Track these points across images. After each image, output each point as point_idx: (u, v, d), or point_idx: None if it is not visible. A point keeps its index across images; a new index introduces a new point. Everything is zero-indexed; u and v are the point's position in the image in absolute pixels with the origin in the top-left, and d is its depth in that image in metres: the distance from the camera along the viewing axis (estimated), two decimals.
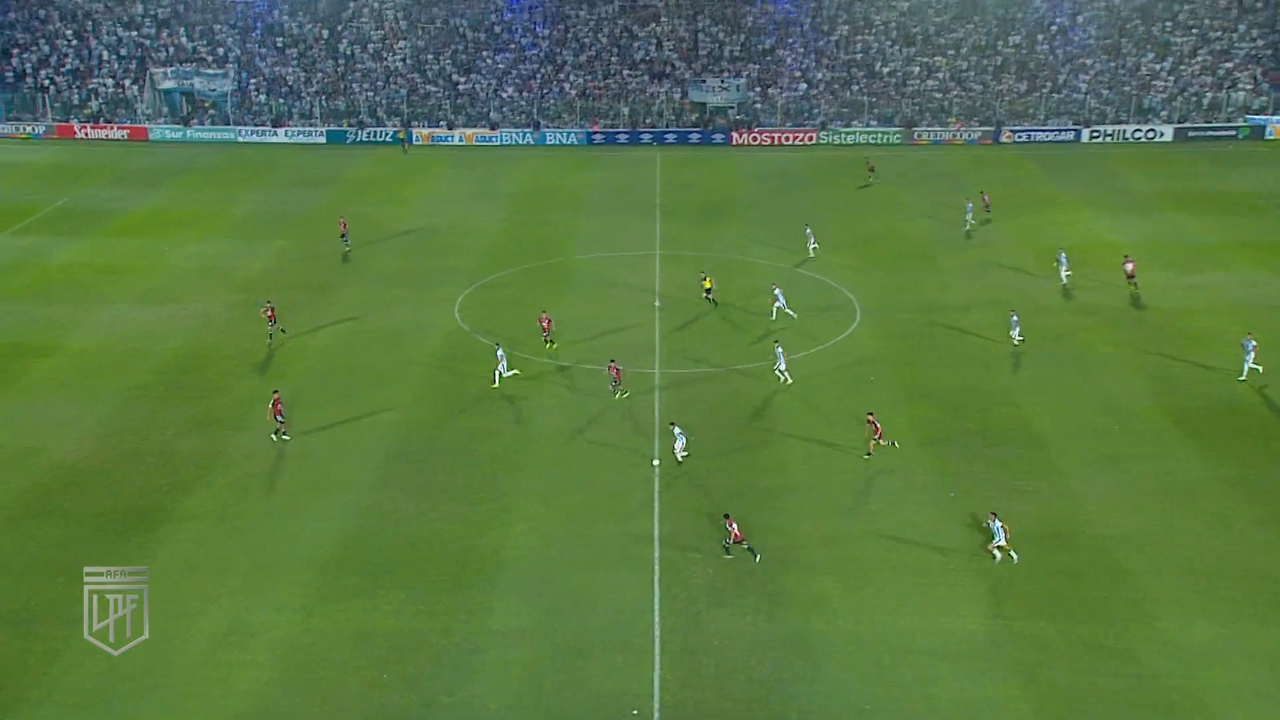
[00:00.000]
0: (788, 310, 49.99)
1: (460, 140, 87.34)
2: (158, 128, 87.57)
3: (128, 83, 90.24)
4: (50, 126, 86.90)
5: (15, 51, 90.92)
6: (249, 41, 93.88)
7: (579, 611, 30.68)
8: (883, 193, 71.02)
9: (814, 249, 58.84)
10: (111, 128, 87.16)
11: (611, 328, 49.74)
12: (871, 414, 38.28)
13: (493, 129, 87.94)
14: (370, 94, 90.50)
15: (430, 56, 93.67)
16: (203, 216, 66.39)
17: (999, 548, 32.42)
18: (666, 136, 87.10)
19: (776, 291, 50.35)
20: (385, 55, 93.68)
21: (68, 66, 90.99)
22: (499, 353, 43.97)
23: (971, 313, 50.70)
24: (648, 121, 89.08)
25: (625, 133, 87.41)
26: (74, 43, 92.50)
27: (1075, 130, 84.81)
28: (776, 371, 43.99)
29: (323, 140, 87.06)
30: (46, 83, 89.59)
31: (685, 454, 37.64)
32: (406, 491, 36.51)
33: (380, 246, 61.16)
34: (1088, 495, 36.16)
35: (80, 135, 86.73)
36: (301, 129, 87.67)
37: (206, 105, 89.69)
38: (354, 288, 54.82)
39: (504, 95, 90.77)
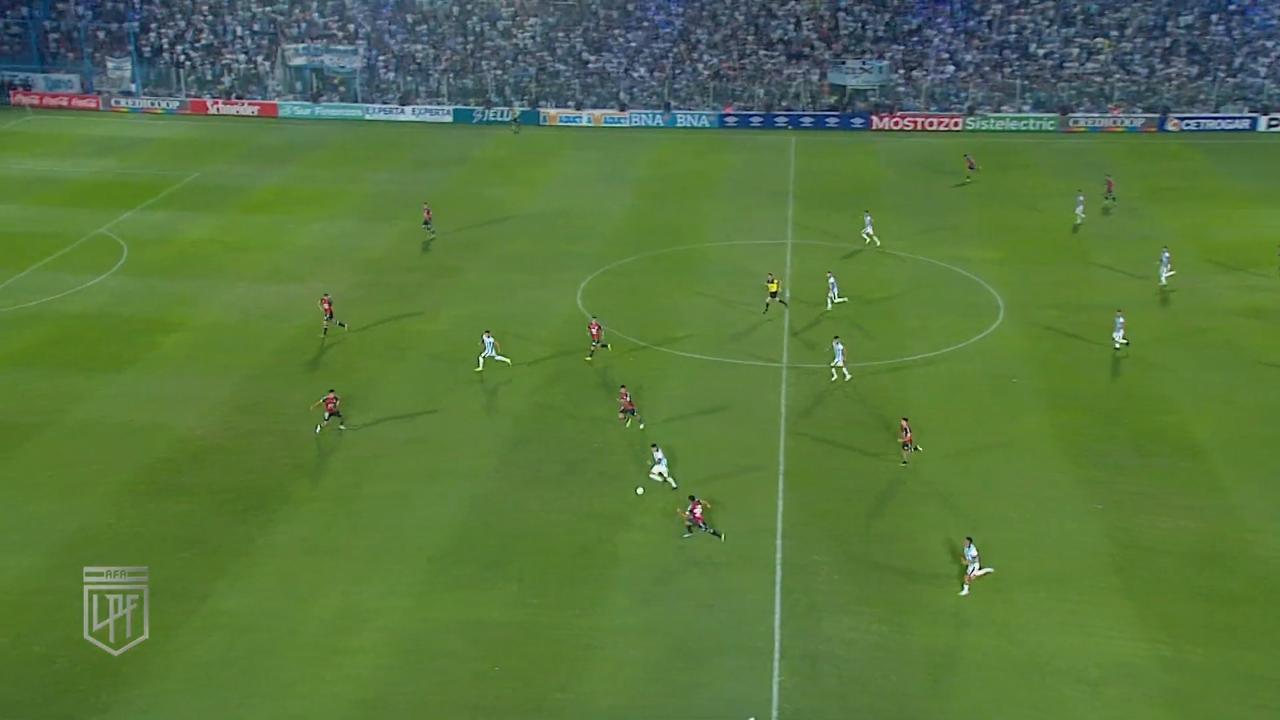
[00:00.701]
0: (840, 299, 49.85)
1: (588, 121, 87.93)
2: (287, 104, 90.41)
3: (260, 59, 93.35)
4: (184, 102, 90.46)
5: (154, 26, 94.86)
6: (379, 18, 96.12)
7: (696, 611, 30.69)
8: (1033, 183, 69.09)
9: (868, 236, 58.00)
10: (242, 104, 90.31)
11: (737, 318, 49.56)
12: (906, 420, 37.64)
13: (622, 110, 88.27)
14: (498, 72, 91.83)
15: (561, 34, 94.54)
16: (328, 195, 68.32)
17: (970, 579, 30.97)
18: (802, 120, 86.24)
19: (831, 280, 50.07)
20: (515, 32, 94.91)
21: (203, 42, 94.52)
22: (486, 340, 43.90)
23: (1125, 312, 49.00)
24: (783, 104, 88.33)
25: (759, 116, 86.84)
26: (209, 18, 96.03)
27: (1251, 118, 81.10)
28: (832, 368, 43.25)
29: (449, 119, 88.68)
30: (182, 58, 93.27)
31: (664, 478, 36.14)
32: (523, 481, 36.99)
33: (503, 229, 62.03)
34: (1250, 513, 34.63)
35: (212, 111, 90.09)
36: (428, 107, 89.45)
37: (336, 82, 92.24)
38: (476, 271, 55.74)
39: (635, 75, 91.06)
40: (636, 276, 54.90)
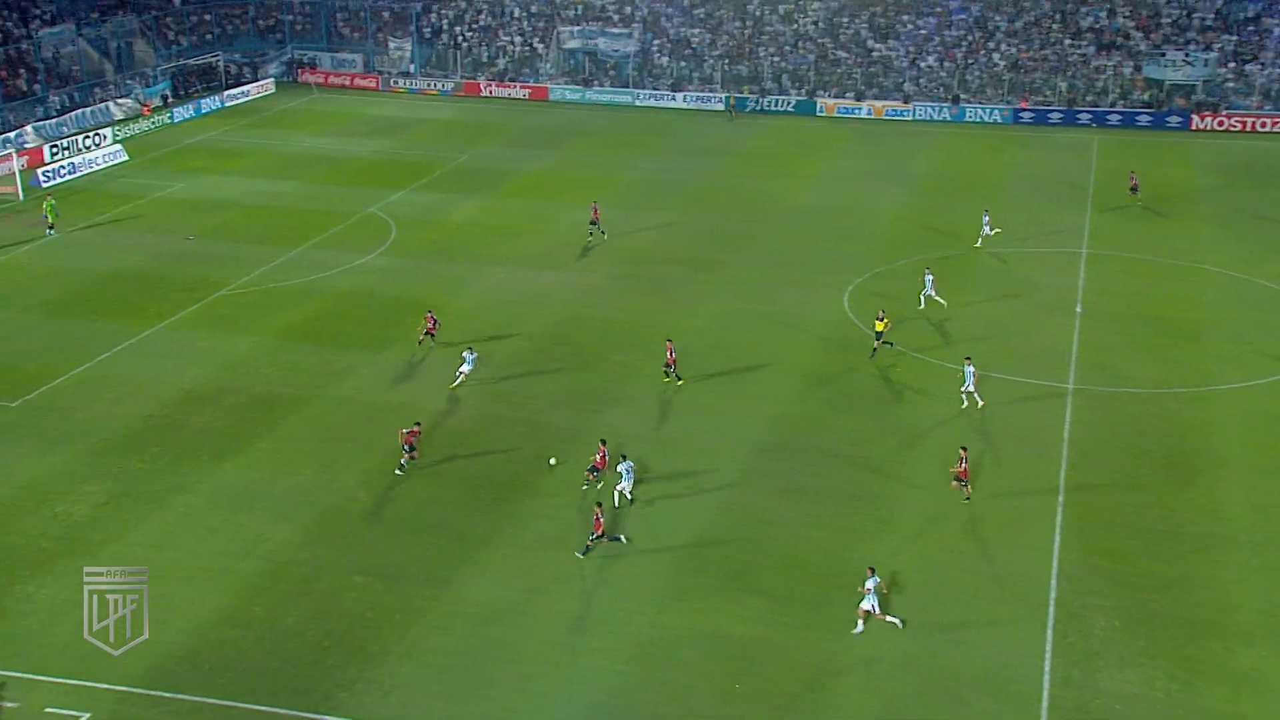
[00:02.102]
0: (937, 298, 48.28)
1: (868, 113, 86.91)
2: (558, 88, 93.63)
3: (535, 41, 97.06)
4: (458, 83, 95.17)
5: (435, 7, 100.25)
6: (656, 1, 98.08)
7: (957, 646, 29.84)
8: None
9: (986, 234, 57.02)
10: (514, 86, 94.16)
11: (1020, 332, 47.89)
12: (964, 449, 35.82)
13: (905, 102, 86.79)
14: (776, 59, 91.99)
15: (845, 19, 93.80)
16: (593, 181, 70.24)
17: (868, 613, 29.45)
18: (1109, 118, 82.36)
19: (928, 278, 48.71)
20: (797, 18, 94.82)
21: (481, 23, 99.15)
22: (466, 355, 43.01)
23: None
24: (1088, 99, 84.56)
25: (1059, 111, 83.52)
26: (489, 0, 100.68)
27: None
28: (964, 393, 40.97)
29: (721, 107, 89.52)
30: (460, 39, 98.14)
31: (631, 498, 35.27)
32: (774, 491, 36.95)
33: (769, 224, 62.12)
34: None
35: (485, 93, 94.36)
36: (701, 94, 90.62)
37: (608, 66, 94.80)
38: (738, 267, 56.06)
39: (922, 65, 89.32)
40: (909, 281, 53.81)
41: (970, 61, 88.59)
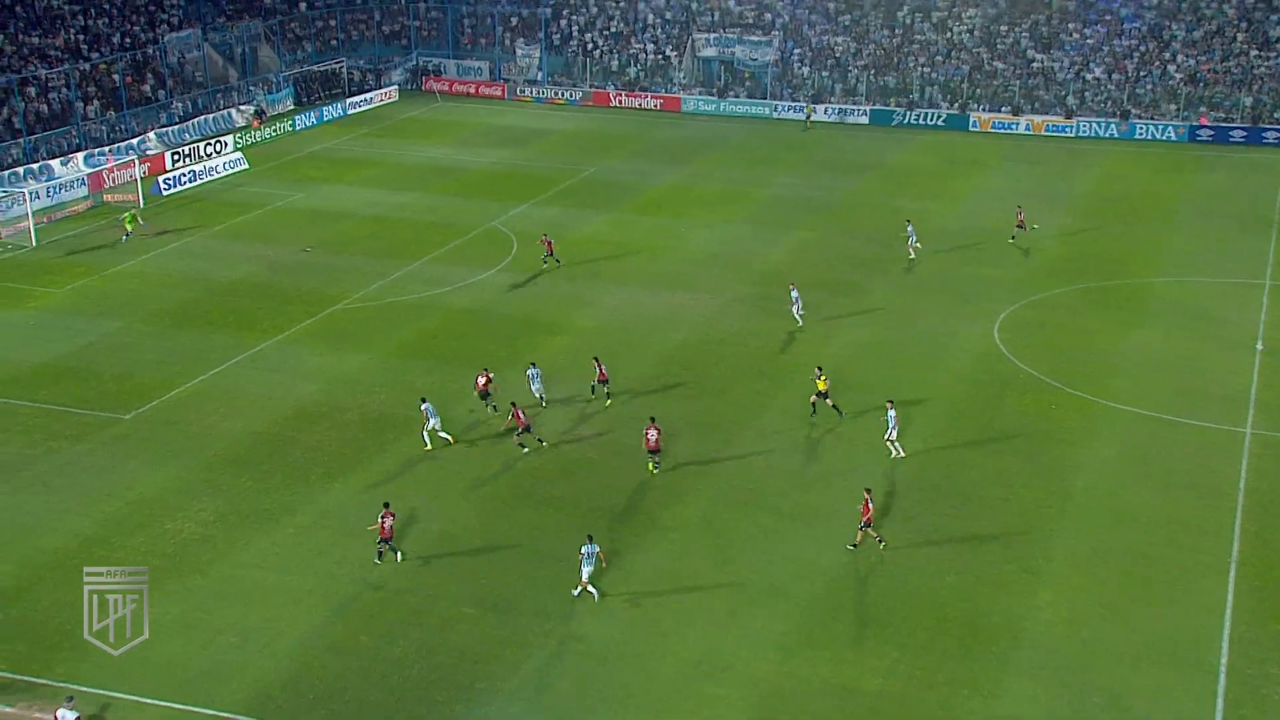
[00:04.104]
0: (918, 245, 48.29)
1: (1026, 129, 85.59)
2: (691, 98, 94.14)
3: (669, 49, 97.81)
4: (587, 93, 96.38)
5: (565, 13, 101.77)
6: (799, 6, 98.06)
7: (1112, 714, 28.98)
8: None
9: (915, 246, 58.70)
10: (645, 96, 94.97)
11: (1194, 369, 46.66)
12: (869, 490, 34.96)
13: (1068, 117, 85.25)
14: (926, 69, 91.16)
15: (1004, 28, 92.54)
16: (725, 198, 70.38)
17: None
18: None
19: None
20: (950, 26, 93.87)
21: (612, 30, 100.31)
22: (425, 408, 41.46)
23: None
24: (1276, 116, 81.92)
25: (1243, 129, 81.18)
26: (622, 4, 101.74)
27: None
28: (887, 442, 40.22)
29: (865, 120, 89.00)
30: (590, 46, 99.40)
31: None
32: (910, 533, 36.41)
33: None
34: None
35: (614, 103, 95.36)
36: (843, 106, 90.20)
37: (744, 76, 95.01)
38: (879, 291, 55.57)
39: (1088, 77, 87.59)
40: (1067, 311, 52.71)
41: (1142, 74, 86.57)
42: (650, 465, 39.99)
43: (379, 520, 35.00)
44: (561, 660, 31.14)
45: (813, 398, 43.07)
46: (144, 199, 68.78)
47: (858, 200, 69.60)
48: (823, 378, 42.77)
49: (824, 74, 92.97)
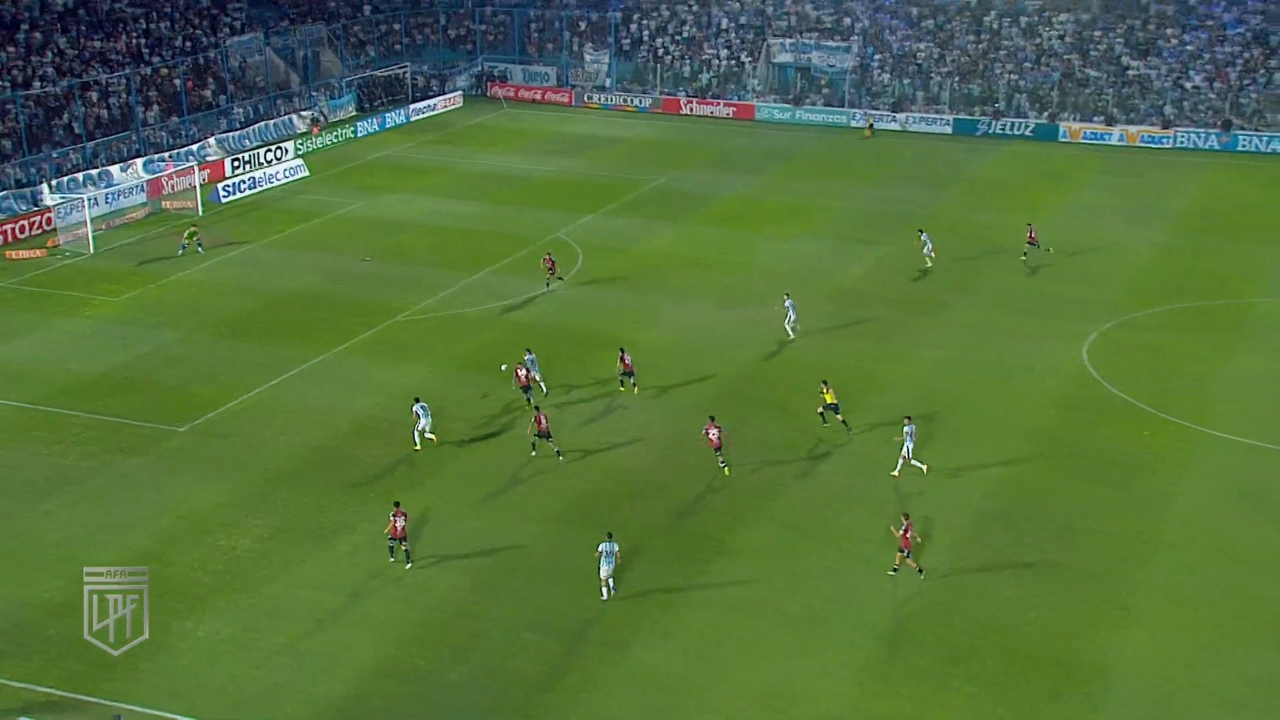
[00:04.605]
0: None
1: (1120, 139, 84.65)
2: (765, 106, 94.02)
3: (743, 55, 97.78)
4: (657, 100, 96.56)
5: (636, 18, 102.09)
6: (880, 10, 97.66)
7: None
8: None
9: (930, 256, 59.25)
10: (718, 104, 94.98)
11: None
12: (907, 515, 34.64)
13: (1165, 127, 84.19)
14: (1014, 77, 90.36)
15: (1097, 33, 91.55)
16: (800, 210, 70.12)
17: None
18: None
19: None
20: (1040, 31, 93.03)
21: (684, 35, 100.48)
22: (417, 409, 42.35)
23: None
24: None
25: None
26: (694, 8, 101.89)
27: None
28: (905, 460, 39.86)
29: (948, 130, 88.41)
30: (661, 52, 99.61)
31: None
32: (996, 565, 35.97)
33: (1000, 261, 60.95)
34: None
35: (685, 110, 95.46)
36: (925, 115, 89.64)
37: (821, 84, 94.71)
38: (963, 309, 55.07)
39: (1187, 85, 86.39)
40: (1164, 333, 51.93)
41: (1246, 82, 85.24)
42: (722, 465, 40.48)
43: (390, 520, 35.64)
44: (626, 691, 31.01)
45: (820, 409, 43.27)
46: (202, 207, 69.77)
47: (941, 213, 69.01)
48: (829, 390, 43.11)
49: (905, 81, 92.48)
